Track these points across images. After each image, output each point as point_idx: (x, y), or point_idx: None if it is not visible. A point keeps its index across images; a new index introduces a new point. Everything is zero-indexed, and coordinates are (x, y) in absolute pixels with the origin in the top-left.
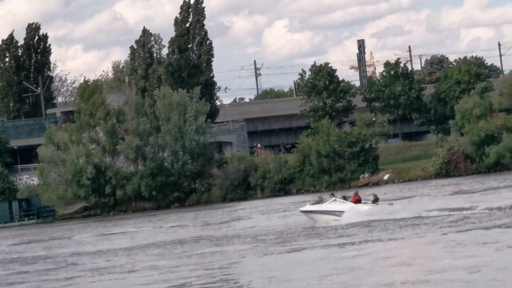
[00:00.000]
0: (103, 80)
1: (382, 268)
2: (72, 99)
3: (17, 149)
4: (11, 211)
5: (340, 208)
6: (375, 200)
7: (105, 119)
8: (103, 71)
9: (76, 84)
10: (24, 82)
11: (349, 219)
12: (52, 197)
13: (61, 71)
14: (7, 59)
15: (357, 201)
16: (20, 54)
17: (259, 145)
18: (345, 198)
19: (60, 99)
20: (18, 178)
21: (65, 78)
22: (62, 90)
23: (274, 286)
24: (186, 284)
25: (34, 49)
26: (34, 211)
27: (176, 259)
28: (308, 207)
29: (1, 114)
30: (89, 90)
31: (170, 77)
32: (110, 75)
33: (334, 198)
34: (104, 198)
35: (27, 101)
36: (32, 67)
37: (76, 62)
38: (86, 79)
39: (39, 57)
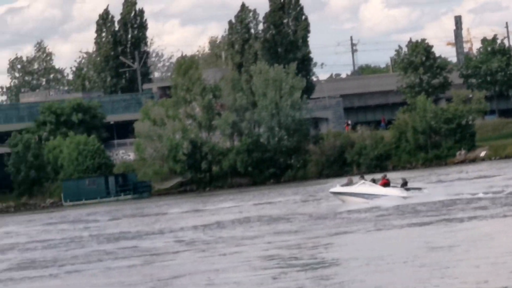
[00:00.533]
0: (199, 55)
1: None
2: (169, 74)
3: (114, 124)
4: (108, 186)
5: (368, 191)
6: (404, 184)
7: (201, 94)
8: (199, 46)
9: (173, 59)
10: (120, 57)
11: (383, 204)
12: (148, 172)
13: (158, 46)
14: (103, 34)
15: (385, 184)
16: (117, 29)
17: (349, 121)
18: (374, 181)
19: (156, 74)
20: (114, 153)
21: (162, 53)
22: (159, 65)
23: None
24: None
25: (131, 24)
26: (130, 186)
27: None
28: (338, 189)
29: (98, 89)
30: (186, 66)
31: (266, 52)
32: (207, 50)
33: (363, 181)
34: (200, 173)
35: (124, 76)
36: (129, 42)
37: (172, 37)
38: (183, 54)
39: (135, 32)
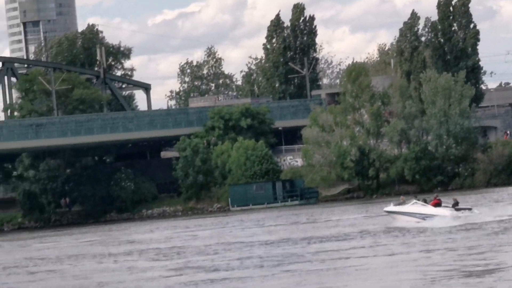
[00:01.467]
0: (368, 62)
1: None
2: (337, 81)
3: (282, 130)
4: (275, 192)
5: (420, 211)
6: (455, 204)
7: (370, 101)
8: (368, 53)
9: (342, 66)
10: (290, 64)
11: (435, 224)
12: (315, 178)
13: (327, 52)
14: (274, 40)
15: (437, 204)
16: (286, 35)
17: (508, 132)
18: (425, 201)
19: (325, 81)
20: (282, 159)
21: (331, 60)
22: (328, 71)
23: None
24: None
25: (300, 30)
26: (298, 192)
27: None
28: (391, 208)
29: (266, 95)
30: (356, 72)
31: (435, 60)
32: (376, 57)
33: (415, 201)
34: (367, 180)
35: (293, 82)
36: (298, 49)
37: (342, 44)
38: (353, 61)
39: (305, 38)
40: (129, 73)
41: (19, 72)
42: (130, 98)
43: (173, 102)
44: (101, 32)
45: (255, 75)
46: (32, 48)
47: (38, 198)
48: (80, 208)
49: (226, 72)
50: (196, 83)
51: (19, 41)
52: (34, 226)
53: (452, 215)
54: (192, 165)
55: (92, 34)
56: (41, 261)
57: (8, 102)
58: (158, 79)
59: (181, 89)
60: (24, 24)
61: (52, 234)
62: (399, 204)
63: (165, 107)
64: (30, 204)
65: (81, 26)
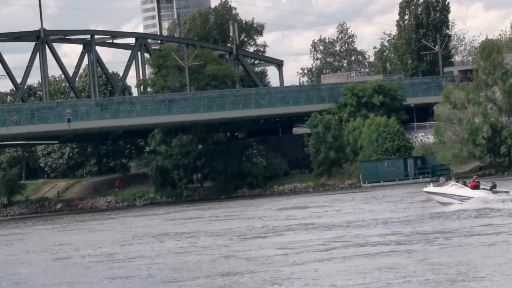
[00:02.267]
0: (501, 39)
1: None
2: (470, 58)
3: (414, 106)
4: (406, 169)
5: (458, 192)
6: (493, 187)
7: (502, 78)
8: (502, 30)
9: (474, 44)
10: (422, 40)
11: (469, 205)
12: (447, 155)
13: (459, 29)
14: (406, 17)
15: (475, 186)
16: (419, 12)
17: None
18: (464, 183)
19: (457, 58)
20: (413, 135)
21: (463, 36)
22: (460, 48)
23: None
24: None
25: (433, 7)
26: (429, 169)
27: None
28: (430, 188)
29: (398, 72)
30: (488, 49)
31: None
32: (509, 34)
33: (453, 182)
34: (499, 158)
35: (425, 59)
36: (431, 25)
37: (475, 21)
38: (486, 38)
39: (437, 14)
40: (262, 49)
41: (153, 48)
42: (263, 74)
43: (305, 79)
44: (234, 8)
45: (387, 51)
46: (165, 24)
47: (170, 173)
48: (211, 183)
49: (358, 49)
50: (328, 59)
51: (153, 17)
52: (166, 202)
53: (488, 197)
54: (323, 141)
55: (225, 10)
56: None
57: (141, 78)
58: (290, 55)
59: (314, 65)
60: (158, 0)
61: (192, 208)
62: (438, 185)
63: (297, 83)
64: (162, 180)
65: (214, 2)
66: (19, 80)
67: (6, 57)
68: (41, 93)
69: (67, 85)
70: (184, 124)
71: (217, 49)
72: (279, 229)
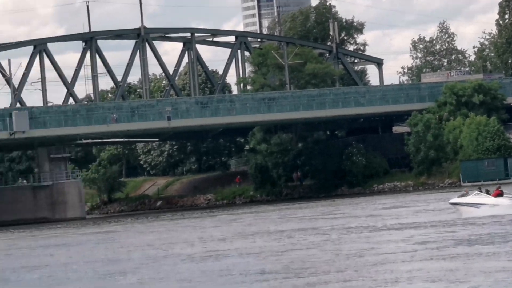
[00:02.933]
0: None
1: None
2: None
3: None
4: (507, 168)
5: (480, 201)
6: None
7: None
8: None
9: None
10: None
11: (485, 212)
12: None
13: None
14: (506, 16)
15: (498, 194)
16: None
17: None
18: (487, 192)
19: None
20: None
21: None
22: None
23: None
24: None
25: None
26: None
27: None
28: (455, 200)
29: (499, 71)
30: None
31: None
32: None
33: (477, 192)
34: None
35: None
36: None
37: None
38: None
39: None
40: (362, 48)
41: (253, 46)
42: (362, 73)
43: (405, 78)
44: (334, 6)
45: (487, 50)
46: (265, 23)
47: (270, 171)
48: (311, 182)
49: (458, 48)
50: (428, 58)
51: (253, 16)
52: (266, 200)
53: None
54: (423, 140)
55: (325, 8)
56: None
57: (241, 76)
58: (391, 54)
59: (413, 64)
60: None
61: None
62: (462, 195)
63: (397, 82)
64: (261, 178)
65: (314, 1)
66: (119, 78)
67: (106, 54)
68: (141, 90)
69: (167, 83)
70: (283, 123)
71: (317, 48)
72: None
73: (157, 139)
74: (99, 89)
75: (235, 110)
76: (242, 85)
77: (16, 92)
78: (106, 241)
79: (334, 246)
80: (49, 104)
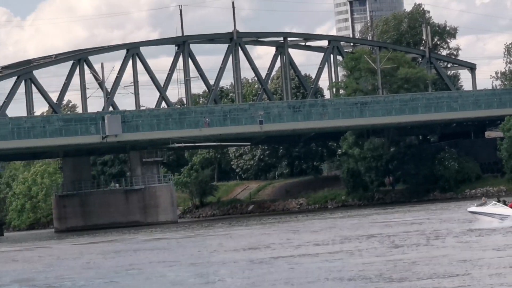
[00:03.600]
0: None
1: None
2: None
3: None
4: None
5: (498, 211)
6: None
7: None
8: None
9: None
10: None
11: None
12: None
13: None
14: None
15: None
16: None
17: None
18: (504, 202)
19: None
20: None
21: None
22: None
23: None
24: None
25: None
26: None
27: None
28: (474, 208)
29: None
30: None
31: None
32: None
33: (494, 202)
34: None
35: None
36: None
37: None
38: None
39: None
40: (455, 52)
41: (345, 50)
42: (455, 77)
43: (498, 82)
44: (428, 12)
45: None
46: (358, 27)
47: (362, 176)
48: (403, 187)
49: None
50: None
51: (345, 20)
52: (357, 204)
53: None
54: None
55: (419, 13)
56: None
57: (333, 80)
58: (484, 59)
59: (507, 69)
60: (351, 3)
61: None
62: (481, 205)
63: (490, 87)
64: (353, 182)
65: (408, 6)
66: (211, 82)
67: (199, 58)
68: (234, 94)
69: (260, 87)
70: (376, 127)
71: (410, 52)
72: None
73: (249, 143)
74: (192, 93)
75: (327, 115)
76: (334, 89)
77: (109, 96)
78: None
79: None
80: (141, 108)
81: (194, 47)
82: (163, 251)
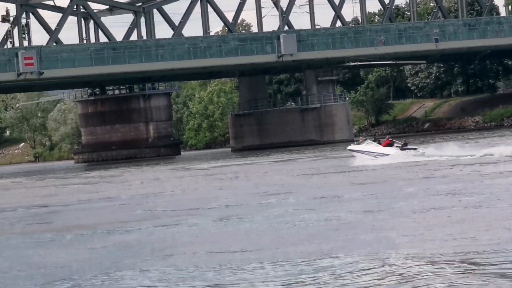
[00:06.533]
0: None
1: None
2: None
3: None
4: None
5: (372, 150)
6: (404, 145)
7: None
8: None
9: None
10: None
11: (384, 161)
12: None
13: None
14: None
15: (388, 144)
16: None
17: None
18: (379, 142)
19: None
20: None
21: None
22: None
23: None
24: None
25: None
26: None
27: None
28: (352, 147)
29: None
30: None
31: None
32: None
33: (369, 141)
34: None
35: None
36: None
37: None
38: None
39: None
40: None
41: None
42: None
43: None
44: None
45: None
46: None
47: None
48: None
49: None
50: None
51: None
52: None
53: (396, 154)
54: None
55: None
56: None
57: None
58: None
59: None
60: None
61: None
62: (358, 143)
63: None
64: None
65: None
66: (386, 1)
67: None
68: (409, 13)
69: (435, 5)
70: None
71: None
72: None
73: (424, 61)
74: (367, 12)
75: (503, 32)
76: (510, 7)
77: (284, 15)
78: None
79: None
80: (316, 27)
81: None
82: None
